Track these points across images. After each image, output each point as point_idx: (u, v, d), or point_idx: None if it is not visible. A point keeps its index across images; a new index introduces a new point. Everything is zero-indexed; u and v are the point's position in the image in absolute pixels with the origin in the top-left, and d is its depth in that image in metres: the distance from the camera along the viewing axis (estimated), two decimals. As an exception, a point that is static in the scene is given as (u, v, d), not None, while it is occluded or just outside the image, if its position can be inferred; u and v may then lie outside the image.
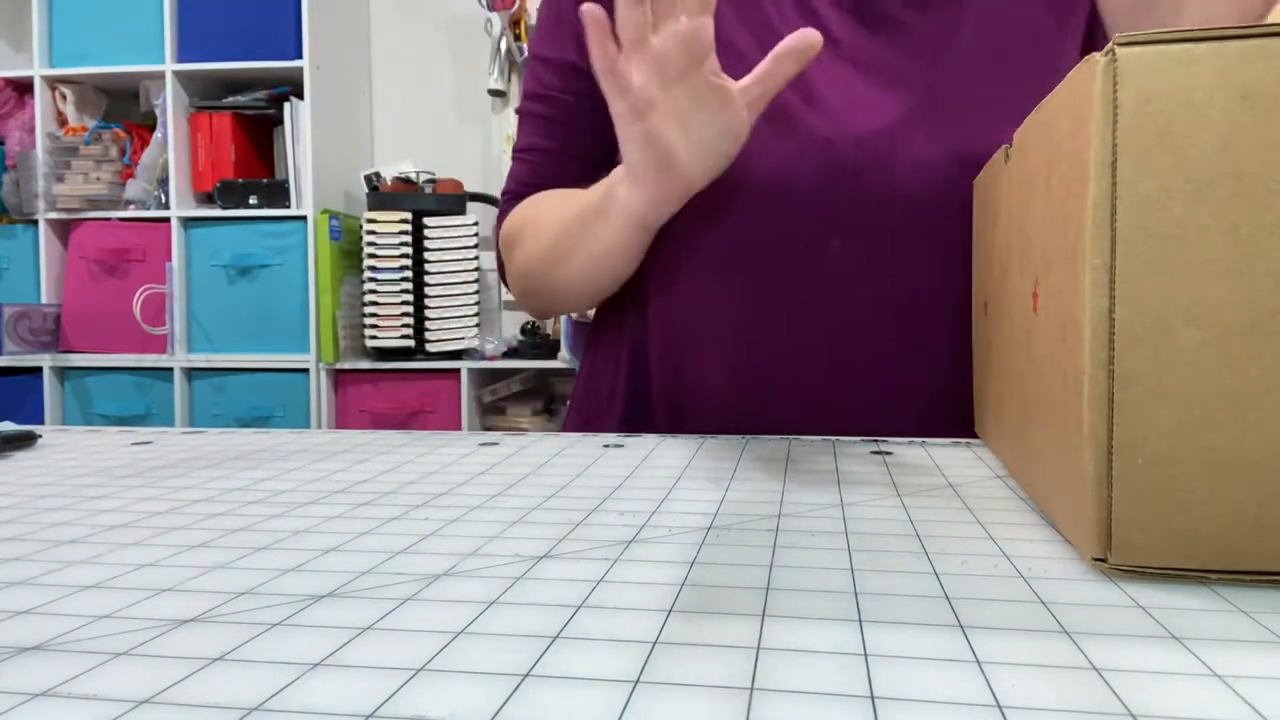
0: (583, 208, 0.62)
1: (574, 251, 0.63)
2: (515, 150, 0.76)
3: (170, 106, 2.26)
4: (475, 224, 2.26)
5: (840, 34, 0.64)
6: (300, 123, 2.25)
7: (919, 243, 0.61)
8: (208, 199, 2.33)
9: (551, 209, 0.67)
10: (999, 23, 0.63)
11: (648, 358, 0.68)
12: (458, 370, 2.26)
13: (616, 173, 0.59)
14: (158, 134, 2.30)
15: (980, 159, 0.53)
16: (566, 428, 0.76)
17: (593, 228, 0.61)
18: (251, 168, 2.35)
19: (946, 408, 0.62)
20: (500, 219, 0.76)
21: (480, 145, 2.58)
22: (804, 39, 0.52)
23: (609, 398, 0.72)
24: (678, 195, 0.57)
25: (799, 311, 0.62)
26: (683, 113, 0.53)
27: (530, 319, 2.34)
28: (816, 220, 0.61)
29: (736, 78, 0.55)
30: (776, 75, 0.54)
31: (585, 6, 0.51)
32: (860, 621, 0.26)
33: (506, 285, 0.77)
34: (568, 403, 0.82)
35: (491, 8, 2.39)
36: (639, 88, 0.52)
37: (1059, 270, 0.32)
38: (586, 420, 0.74)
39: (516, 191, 0.74)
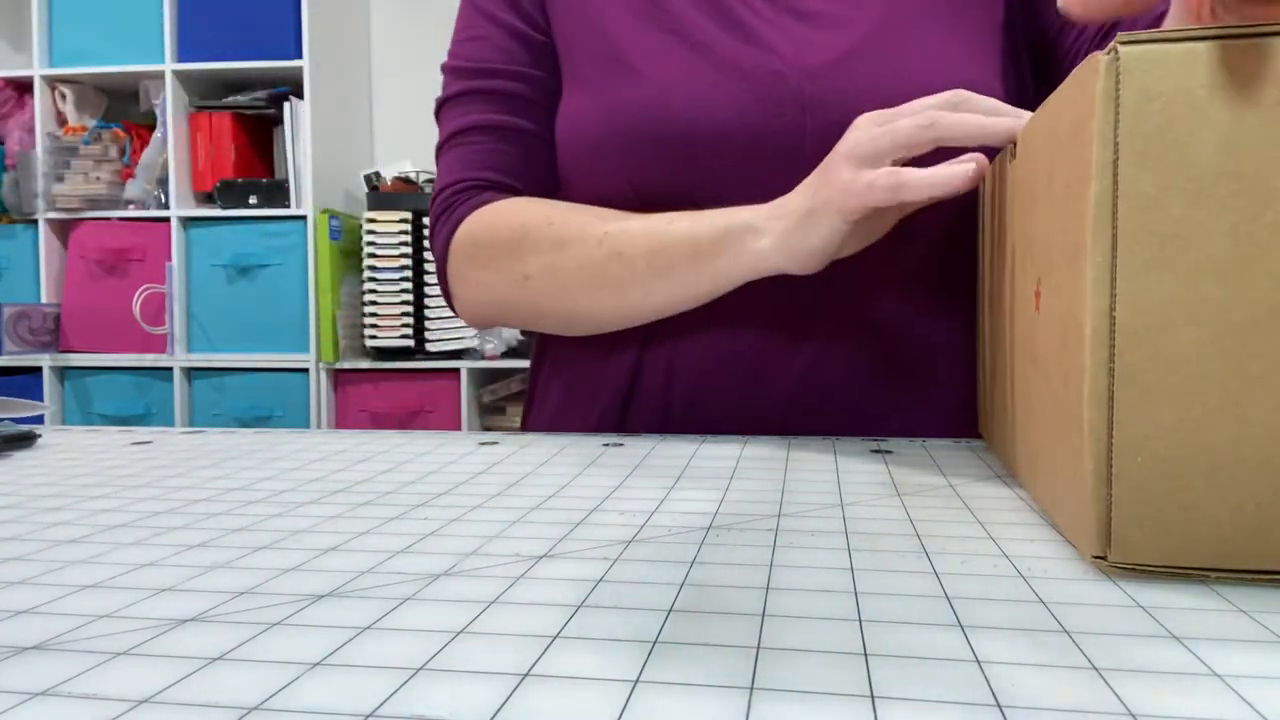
0: (691, 234, 0.56)
1: (654, 284, 0.57)
2: (447, 138, 0.67)
3: (170, 106, 2.26)
4: (475, 224, 2.26)
5: None
6: (300, 122, 2.25)
7: None
8: (207, 199, 2.33)
9: (612, 226, 0.59)
10: None
11: (637, 349, 0.63)
12: (458, 370, 2.26)
13: (757, 217, 0.54)
14: (157, 134, 2.30)
15: (926, 84, 0.52)
16: (530, 425, 0.71)
17: (694, 261, 0.56)
18: (251, 167, 2.35)
19: (950, 390, 0.60)
20: (441, 215, 0.66)
21: (480, 145, 2.58)
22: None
23: (593, 394, 0.66)
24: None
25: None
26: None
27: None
28: (775, 160, 0.58)
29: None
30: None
31: None
32: (860, 621, 0.26)
33: (450, 294, 0.68)
34: (531, 400, 0.74)
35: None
36: None
37: (1060, 269, 0.32)
38: (561, 415, 0.68)
39: (480, 180, 0.65)
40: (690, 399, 0.62)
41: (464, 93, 0.67)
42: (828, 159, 0.51)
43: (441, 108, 0.69)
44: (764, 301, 0.59)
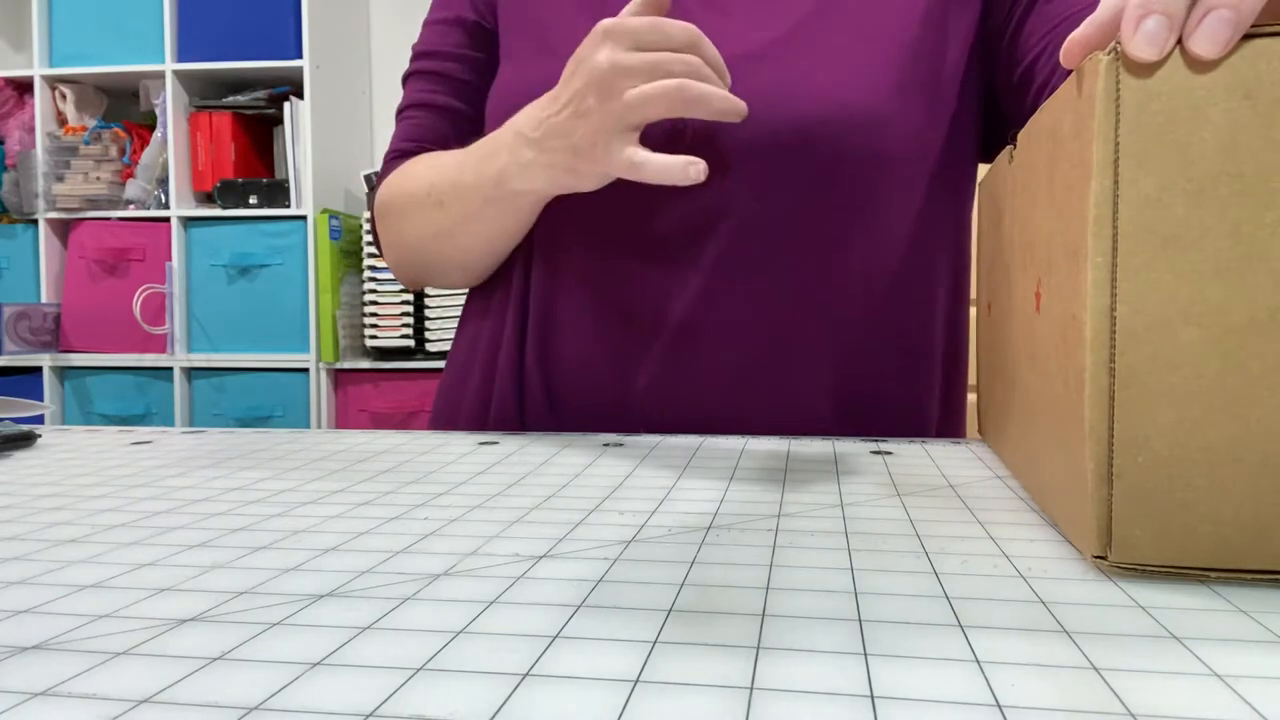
0: (479, 180, 0.61)
1: (469, 226, 0.63)
2: (398, 111, 0.75)
3: (170, 106, 2.26)
4: (475, 224, 2.26)
5: None
6: (300, 122, 2.25)
7: (760, 166, 0.61)
8: (208, 199, 2.33)
9: (435, 176, 0.66)
10: None
11: (518, 325, 0.67)
12: (458, 370, 2.25)
13: (518, 148, 0.58)
14: (158, 134, 2.30)
15: (812, 95, 0.58)
16: (432, 422, 0.74)
17: (491, 203, 0.61)
18: (251, 167, 2.35)
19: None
20: (379, 180, 0.74)
21: (480, 145, 2.57)
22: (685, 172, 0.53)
23: (480, 378, 0.69)
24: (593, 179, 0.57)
25: (651, 246, 0.62)
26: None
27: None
28: (657, 148, 0.61)
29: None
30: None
31: None
32: (860, 621, 0.26)
33: (380, 251, 0.75)
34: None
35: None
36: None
37: (1061, 269, 0.32)
38: (453, 405, 0.71)
39: (400, 150, 0.73)
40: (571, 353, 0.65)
41: (412, 73, 0.76)
42: (588, 89, 0.53)
43: (402, 86, 0.78)
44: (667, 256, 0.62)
